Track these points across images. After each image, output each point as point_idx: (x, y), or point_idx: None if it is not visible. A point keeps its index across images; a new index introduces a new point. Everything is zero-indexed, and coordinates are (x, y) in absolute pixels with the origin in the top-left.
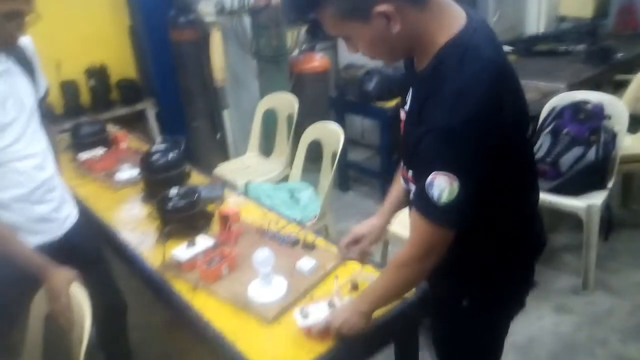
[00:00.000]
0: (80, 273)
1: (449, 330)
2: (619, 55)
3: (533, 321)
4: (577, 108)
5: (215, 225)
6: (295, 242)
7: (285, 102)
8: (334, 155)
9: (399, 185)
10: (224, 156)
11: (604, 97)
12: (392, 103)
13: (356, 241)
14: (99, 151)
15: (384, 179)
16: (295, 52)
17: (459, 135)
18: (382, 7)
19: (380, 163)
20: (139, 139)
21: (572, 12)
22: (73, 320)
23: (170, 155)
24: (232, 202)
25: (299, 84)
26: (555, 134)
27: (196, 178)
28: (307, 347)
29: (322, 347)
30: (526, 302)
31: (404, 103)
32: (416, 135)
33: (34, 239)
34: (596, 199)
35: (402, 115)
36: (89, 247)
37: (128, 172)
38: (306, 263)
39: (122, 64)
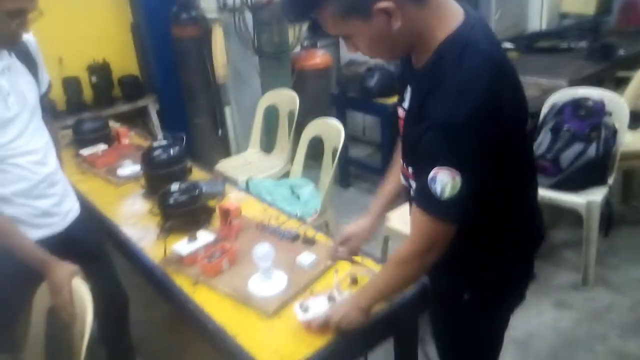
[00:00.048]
0: (82, 267)
1: (449, 324)
2: (621, 52)
3: (533, 316)
4: (577, 105)
5: (216, 221)
6: (295, 237)
7: (287, 99)
8: (335, 151)
9: (390, 184)
10: (226, 152)
11: (605, 94)
12: (393, 99)
13: (347, 241)
14: (101, 147)
15: (385, 176)
16: (297, 49)
17: (461, 130)
18: (382, 4)
19: (381, 160)
20: (141, 135)
21: (575, 8)
22: (75, 314)
23: (172, 151)
24: (233, 198)
25: (300, 81)
26: (556, 130)
27: (197, 174)
28: (307, 340)
29: (321, 341)
30: (526, 295)
31: (401, 101)
32: (417, 132)
33: (36, 233)
34: (596, 195)
35: (400, 113)
36: (90, 242)
37: (130, 167)
38: (306, 258)
39: (124, 60)
